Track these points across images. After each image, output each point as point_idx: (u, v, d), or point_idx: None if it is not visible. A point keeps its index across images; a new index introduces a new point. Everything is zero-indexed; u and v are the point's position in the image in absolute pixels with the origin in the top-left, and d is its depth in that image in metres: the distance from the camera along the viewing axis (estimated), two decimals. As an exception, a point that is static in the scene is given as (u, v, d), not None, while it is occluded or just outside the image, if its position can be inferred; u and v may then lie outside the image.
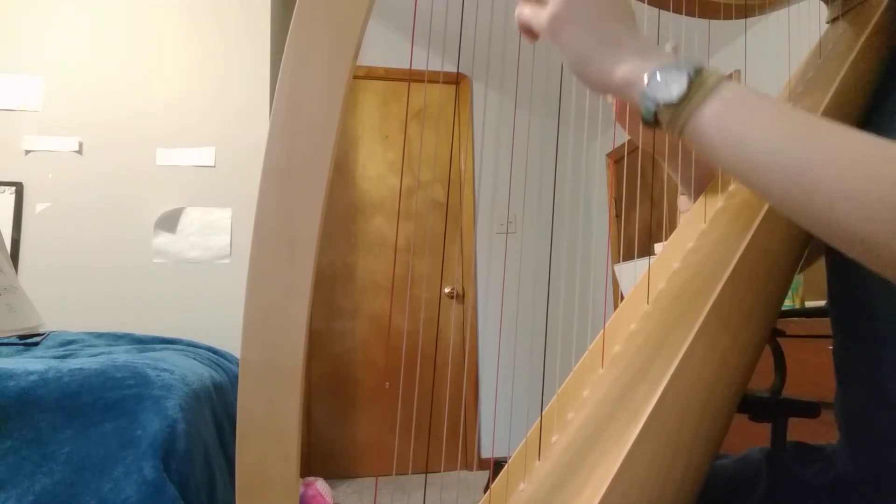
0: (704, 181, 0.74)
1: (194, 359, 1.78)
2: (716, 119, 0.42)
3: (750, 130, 0.41)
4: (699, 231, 0.66)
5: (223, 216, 2.55)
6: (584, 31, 0.47)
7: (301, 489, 2.44)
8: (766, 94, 0.43)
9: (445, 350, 3.38)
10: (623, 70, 0.46)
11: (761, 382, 0.65)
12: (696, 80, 0.43)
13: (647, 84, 0.44)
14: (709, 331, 0.55)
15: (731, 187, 0.69)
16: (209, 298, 2.48)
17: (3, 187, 2.41)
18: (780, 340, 0.70)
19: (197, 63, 2.60)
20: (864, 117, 0.69)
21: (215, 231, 2.54)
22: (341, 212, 3.36)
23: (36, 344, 1.77)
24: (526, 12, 0.51)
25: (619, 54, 0.46)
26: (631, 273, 2.41)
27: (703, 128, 0.43)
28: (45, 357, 1.56)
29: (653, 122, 0.45)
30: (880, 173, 0.36)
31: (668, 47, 0.67)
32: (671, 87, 0.43)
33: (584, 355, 0.65)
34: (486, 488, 0.59)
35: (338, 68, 0.43)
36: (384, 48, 3.40)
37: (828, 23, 0.82)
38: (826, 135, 0.40)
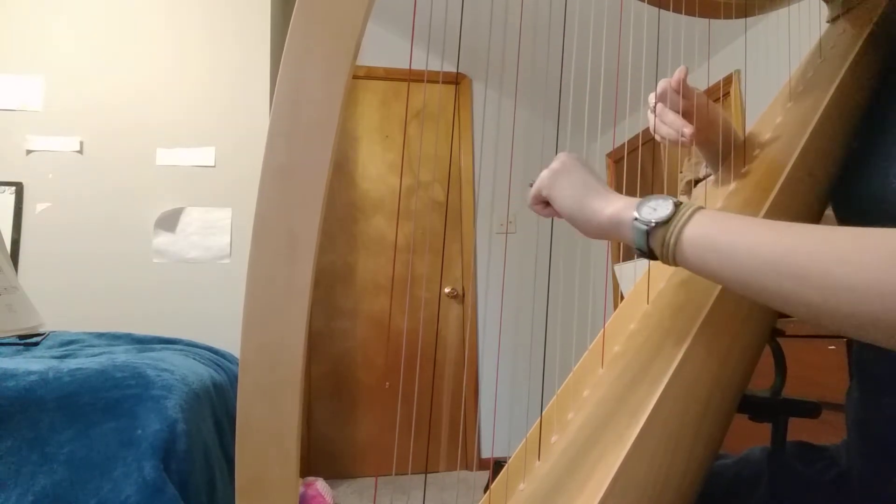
0: (727, 154, 0.77)
1: (194, 359, 1.78)
2: (704, 229, 0.47)
3: (739, 238, 0.45)
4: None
5: (223, 216, 2.55)
6: (572, 182, 0.57)
7: (301, 489, 2.44)
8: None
9: (445, 350, 3.38)
10: (612, 209, 0.53)
11: (761, 382, 0.65)
12: (680, 204, 0.49)
13: (638, 212, 0.50)
14: (709, 331, 0.55)
15: (732, 187, 0.69)
16: (209, 298, 2.48)
17: (3, 187, 2.40)
18: (781, 340, 0.70)
19: (197, 63, 2.60)
20: (864, 117, 0.69)
21: (215, 231, 2.54)
22: (341, 212, 3.36)
23: (36, 344, 1.77)
24: (533, 190, 0.62)
25: (605, 198, 0.55)
26: (631, 273, 2.41)
27: (692, 241, 0.47)
28: (45, 357, 1.56)
29: (645, 247, 0.50)
30: (861, 259, 0.38)
31: (678, 70, 0.74)
32: (659, 210, 0.49)
33: (584, 355, 0.65)
34: (486, 488, 0.59)
35: (338, 68, 0.43)
36: (384, 48, 3.40)
37: (828, 22, 0.82)
38: (807, 233, 0.42)
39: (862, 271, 0.38)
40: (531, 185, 0.63)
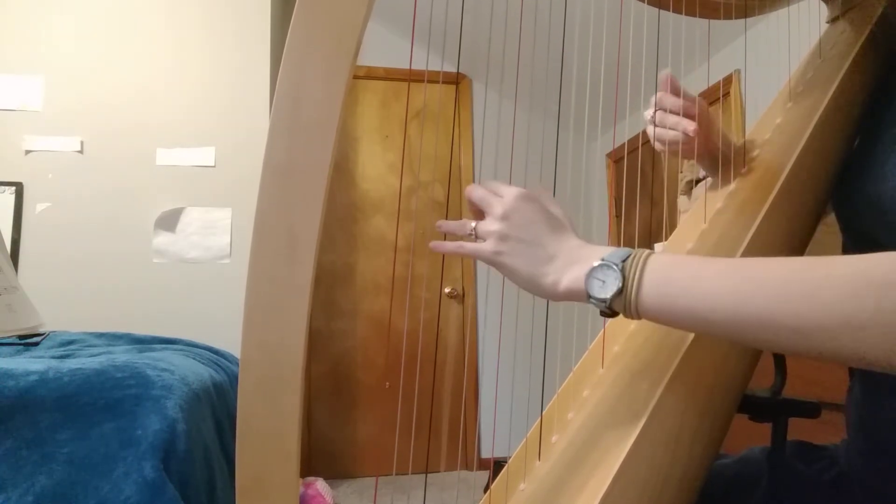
0: (725, 164, 0.76)
1: (194, 359, 1.78)
2: (658, 296, 0.46)
3: (697, 299, 0.44)
4: (699, 231, 0.66)
5: (223, 216, 2.55)
6: (520, 260, 0.53)
7: (301, 489, 2.44)
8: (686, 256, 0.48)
9: (445, 350, 3.38)
10: (566, 282, 0.51)
11: (761, 382, 0.65)
12: (627, 268, 0.48)
13: (590, 289, 0.49)
14: (709, 331, 0.54)
15: (732, 187, 0.69)
16: (209, 298, 2.48)
17: (3, 187, 2.40)
18: (781, 340, 0.70)
19: (197, 63, 2.60)
20: (864, 117, 0.69)
21: (215, 231, 2.54)
22: (341, 212, 3.36)
23: (36, 344, 1.77)
24: (468, 248, 0.57)
25: (555, 271, 0.52)
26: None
27: (651, 308, 0.47)
28: (45, 357, 1.56)
29: (610, 314, 0.50)
30: (822, 295, 0.38)
31: (661, 75, 0.72)
32: (608, 285, 0.48)
33: (585, 355, 0.65)
34: (487, 488, 0.59)
35: (338, 68, 0.43)
36: (384, 48, 3.39)
37: (828, 22, 0.82)
38: (766, 275, 0.41)
39: (828, 309, 0.37)
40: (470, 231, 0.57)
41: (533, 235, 0.54)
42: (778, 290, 0.40)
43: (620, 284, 0.47)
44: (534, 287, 0.53)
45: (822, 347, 0.38)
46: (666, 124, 0.73)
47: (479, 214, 0.58)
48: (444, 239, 0.60)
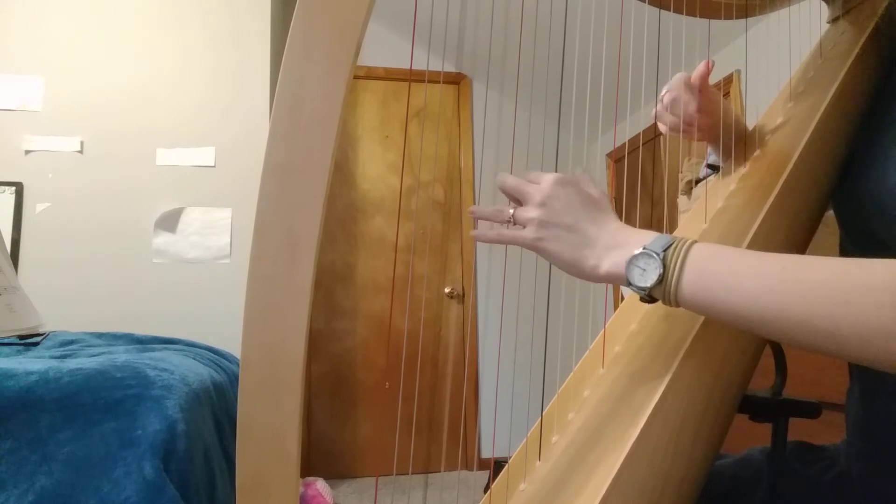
0: (738, 143, 0.76)
1: (194, 359, 1.78)
2: (698, 288, 0.46)
3: (737, 295, 0.44)
4: (700, 231, 0.66)
5: (223, 216, 2.55)
6: (562, 245, 0.54)
7: (301, 489, 2.44)
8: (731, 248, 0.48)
9: (445, 350, 3.38)
10: (606, 266, 0.52)
11: (762, 382, 0.64)
12: (668, 257, 0.48)
13: (630, 277, 0.49)
14: (709, 331, 0.54)
15: (732, 187, 0.69)
16: (209, 298, 2.48)
17: (3, 187, 2.40)
18: (781, 340, 0.70)
19: (197, 63, 2.60)
20: (865, 117, 0.69)
21: (215, 231, 2.54)
22: (341, 212, 3.36)
23: (36, 344, 1.77)
24: (508, 235, 0.57)
25: (596, 255, 0.52)
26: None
27: (690, 299, 0.47)
28: (45, 357, 1.56)
29: (650, 300, 0.50)
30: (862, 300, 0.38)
31: (701, 64, 0.72)
32: (649, 274, 0.48)
33: (585, 355, 0.65)
34: (487, 488, 0.59)
35: (338, 68, 0.43)
36: (384, 48, 3.40)
37: (828, 22, 0.82)
38: (805, 273, 0.42)
39: (863, 314, 0.37)
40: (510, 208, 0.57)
41: (572, 220, 0.54)
42: (816, 294, 0.40)
43: (661, 274, 0.47)
44: (576, 271, 0.54)
45: (855, 352, 0.38)
46: (675, 112, 0.73)
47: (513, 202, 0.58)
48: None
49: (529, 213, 0.55)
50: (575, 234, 0.54)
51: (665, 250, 0.48)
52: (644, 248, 0.49)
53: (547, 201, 0.55)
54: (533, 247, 0.55)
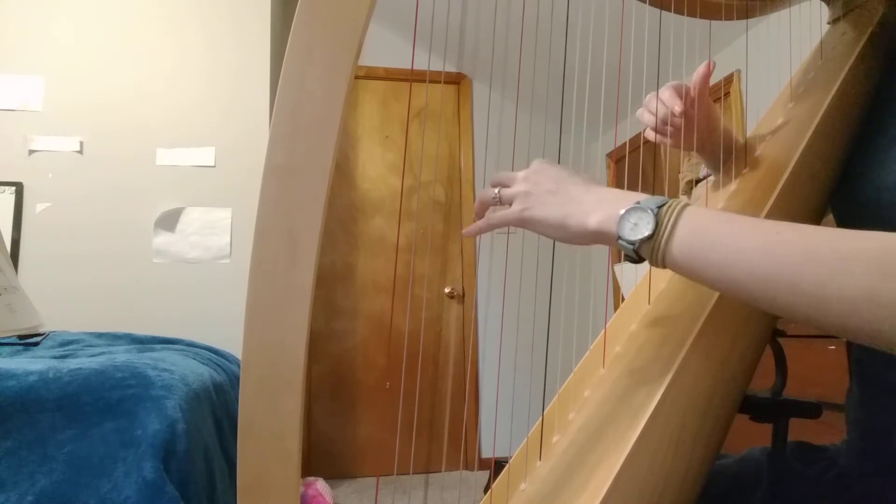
0: (727, 158, 0.76)
1: (194, 359, 1.78)
2: (690, 244, 0.46)
3: (729, 253, 0.44)
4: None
5: (223, 216, 2.55)
6: (546, 208, 0.53)
7: (301, 489, 2.44)
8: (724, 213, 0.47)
9: (446, 350, 3.38)
10: (594, 220, 0.51)
11: (762, 382, 0.65)
12: (661, 213, 0.47)
13: (620, 230, 0.48)
14: (709, 332, 0.54)
15: (733, 187, 0.69)
16: (209, 298, 2.48)
17: (3, 187, 2.40)
18: (781, 340, 0.70)
19: (197, 63, 2.60)
20: (865, 118, 0.69)
21: (215, 231, 2.54)
22: (341, 212, 3.36)
23: (36, 344, 1.77)
24: (495, 218, 0.57)
25: (583, 211, 0.51)
26: (632, 273, 2.41)
27: (679, 255, 0.46)
28: (45, 357, 1.56)
29: (636, 258, 0.49)
30: (849, 269, 0.37)
31: (702, 65, 0.72)
32: (640, 227, 0.47)
33: (585, 356, 0.65)
34: (487, 488, 0.59)
35: (339, 68, 0.43)
36: (384, 48, 3.40)
37: (829, 23, 0.82)
38: (796, 240, 0.41)
39: (853, 281, 0.37)
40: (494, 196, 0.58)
41: (555, 186, 0.54)
42: (807, 256, 0.40)
43: (653, 228, 0.46)
44: (563, 232, 0.53)
45: (840, 319, 0.38)
46: (653, 108, 0.73)
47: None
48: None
49: (513, 189, 0.56)
50: (559, 195, 0.53)
51: (660, 207, 0.47)
52: (638, 203, 0.48)
53: (530, 176, 0.55)
54: (519, 219, 0.55)
